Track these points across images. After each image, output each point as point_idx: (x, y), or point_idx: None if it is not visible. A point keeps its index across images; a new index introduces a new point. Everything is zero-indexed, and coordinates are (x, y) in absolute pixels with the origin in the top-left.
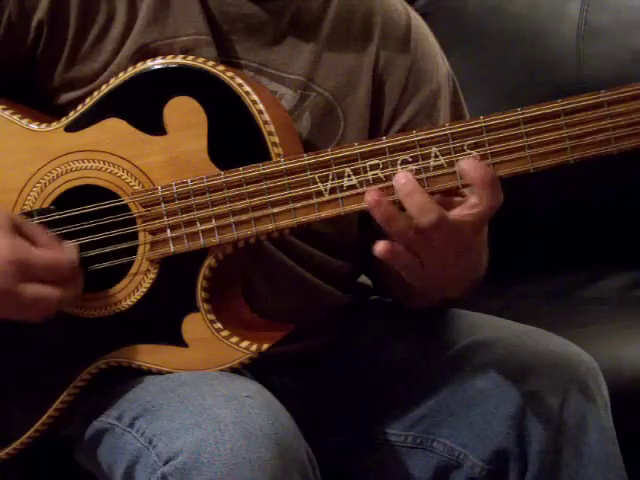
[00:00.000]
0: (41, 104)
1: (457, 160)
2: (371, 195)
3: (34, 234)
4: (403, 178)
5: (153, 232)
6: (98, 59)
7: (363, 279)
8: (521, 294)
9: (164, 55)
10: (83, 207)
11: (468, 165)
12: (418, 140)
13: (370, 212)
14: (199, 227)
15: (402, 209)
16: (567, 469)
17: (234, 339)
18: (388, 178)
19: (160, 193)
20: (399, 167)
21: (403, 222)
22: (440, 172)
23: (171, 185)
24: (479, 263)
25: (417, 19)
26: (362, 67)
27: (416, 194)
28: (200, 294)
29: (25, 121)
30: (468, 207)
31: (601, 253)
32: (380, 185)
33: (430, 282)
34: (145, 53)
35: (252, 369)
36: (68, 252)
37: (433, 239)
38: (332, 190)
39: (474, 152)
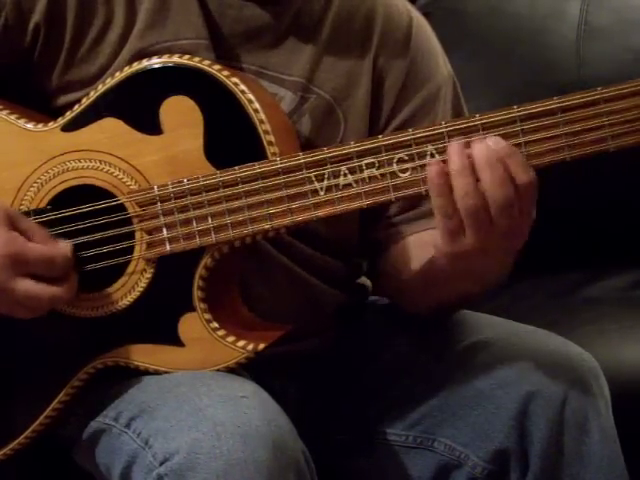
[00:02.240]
0: (39, 105)
1: None
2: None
3: (30, 230)
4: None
5: (149, 231)
6: (96, 62)
7: (362, 279)
8: (521, 294)
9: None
10: (79, 207)
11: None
12: (414, 138)
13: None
14: (195, 226)
15: None
16: (568, 469)
17: (230, 339)
18: (384, 176)
19: (156, 192)
20: (395, 166)
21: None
22: None
23: (167, 184)
24: (508, 264)
25: (419, 20)
26: (362, 68)
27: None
28: (196, 293)
29: (22, 121)
30: None
31: (601, 253)
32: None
33: (462, 258)
34: (143, 57)
35: (250, 370)
36: (63, 248)
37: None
38: (328, 189)
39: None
